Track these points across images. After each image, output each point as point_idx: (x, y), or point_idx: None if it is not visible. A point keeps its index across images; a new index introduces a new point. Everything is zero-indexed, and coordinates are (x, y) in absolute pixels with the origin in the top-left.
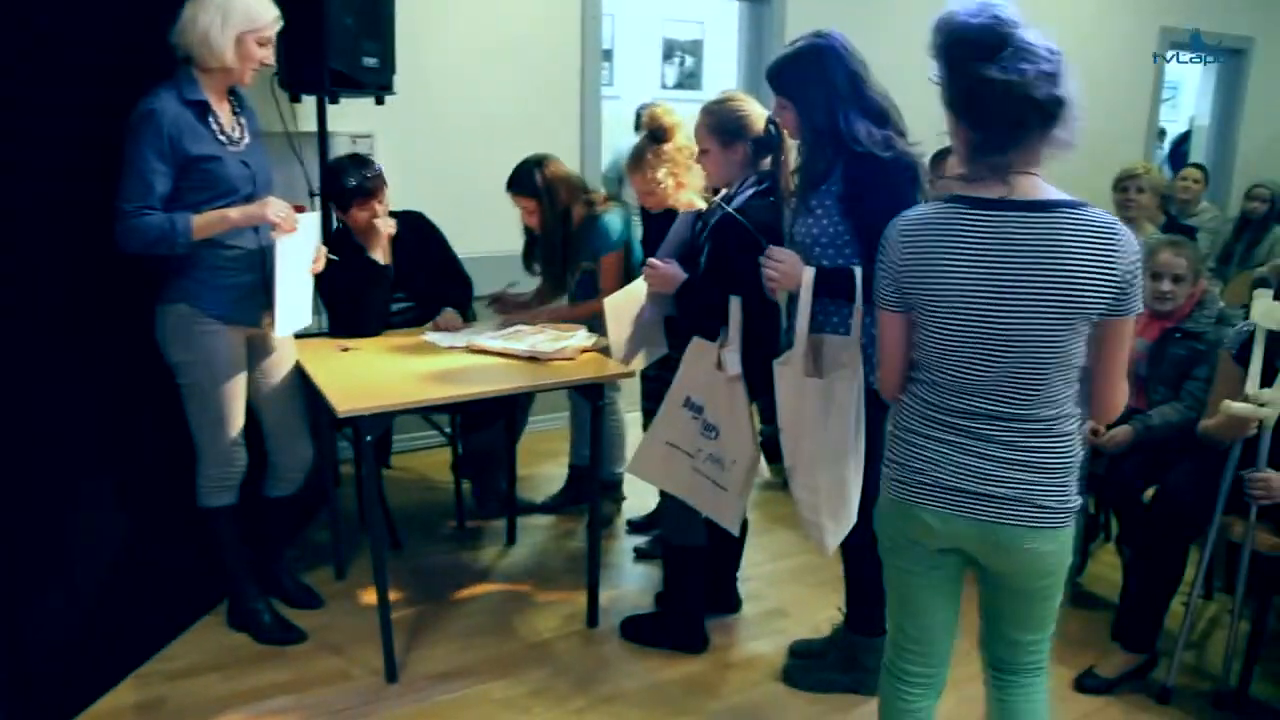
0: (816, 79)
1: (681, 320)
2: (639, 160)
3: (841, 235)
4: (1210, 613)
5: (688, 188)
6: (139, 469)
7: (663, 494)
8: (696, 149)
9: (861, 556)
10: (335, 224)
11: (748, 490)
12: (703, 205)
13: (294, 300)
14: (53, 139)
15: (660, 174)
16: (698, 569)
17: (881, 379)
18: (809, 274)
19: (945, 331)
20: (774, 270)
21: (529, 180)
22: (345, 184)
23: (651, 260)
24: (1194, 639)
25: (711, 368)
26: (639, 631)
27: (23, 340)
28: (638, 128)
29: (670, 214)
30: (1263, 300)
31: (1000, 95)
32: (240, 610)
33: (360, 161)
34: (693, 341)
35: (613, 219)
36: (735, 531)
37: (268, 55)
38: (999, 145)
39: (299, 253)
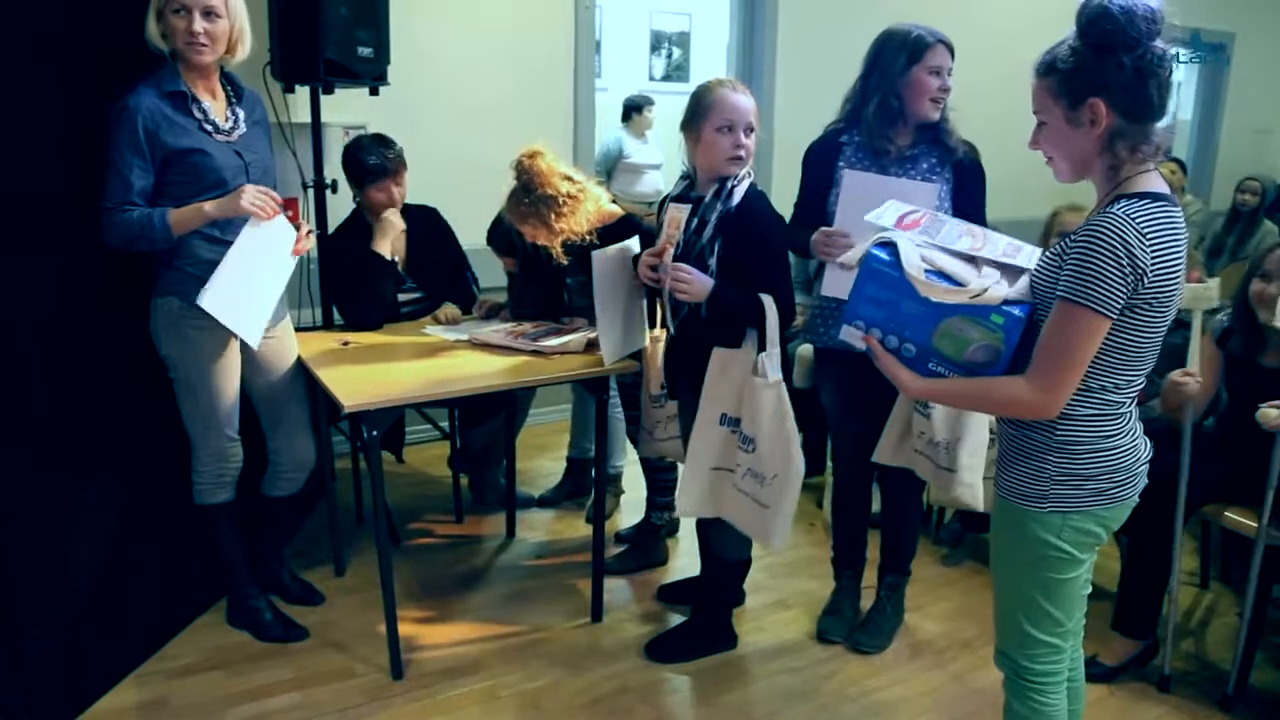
0: None
1: (710, 328)
2: (533, 219)
3: None
4: (1207, 601)
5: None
6: (137, 465)
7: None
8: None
9: (910, 506)
10: (353, 203)
11: (792, 505)
12: (616, 210)
13: (242, 292)
14: (60, 128)
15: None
16: (740, 581)
17: (1061, 392)
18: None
19: (1157, 327)
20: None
21: (509, 240)
22: (365, 162)
23: (679, 265)
24: (1191, 627)
25: (742, 376)
26: (672, 651)
27: (20, 335)
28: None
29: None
30: (1187, 287)
31: (1170, 77)
32: (240, 608)
33: (382, 141)
34: (714, 354)
35: None
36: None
37: (190, 23)
38: (1156, 133)
39: (265, 246)
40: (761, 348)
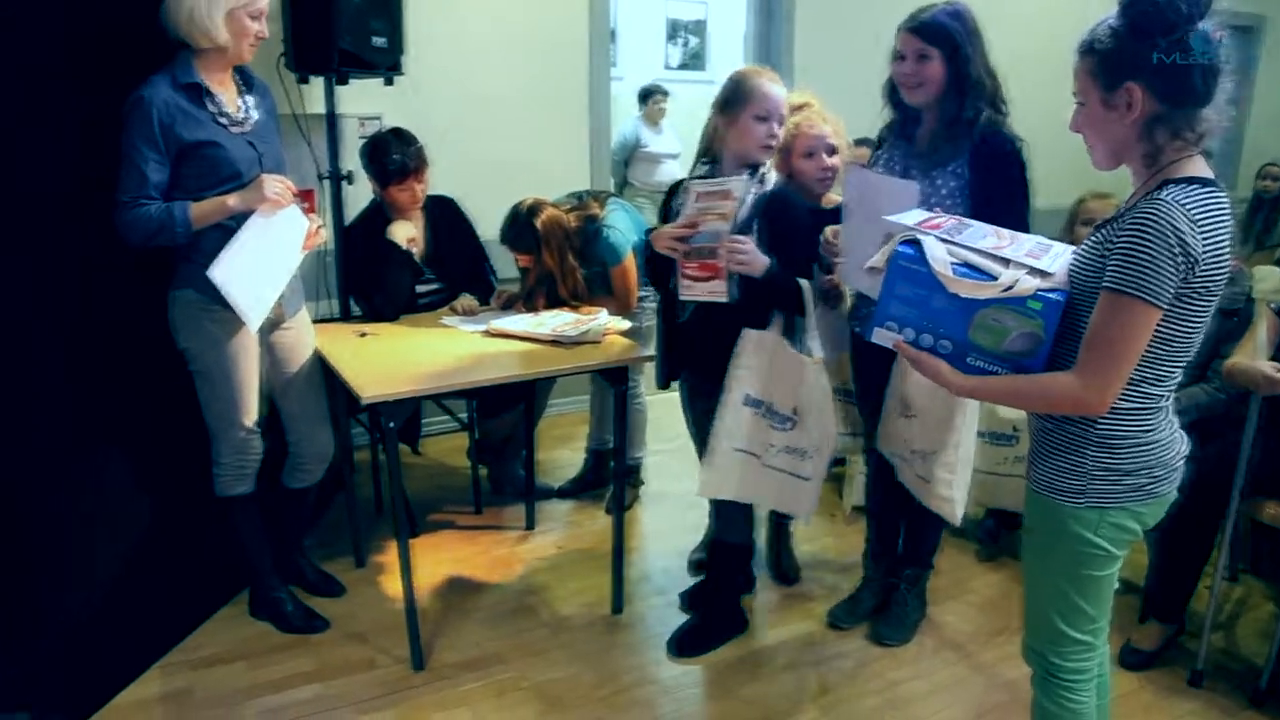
0: (974, 35)
1: (749, 308)
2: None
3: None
4: (1237, 594)
5: None
6: (158, 458)
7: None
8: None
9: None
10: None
11: (824, 474)
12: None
13: (251, 273)
14: (73, 121)
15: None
16: (743, 565)
17: (1113, 386)
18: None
19: (1203, 318)
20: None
21: (524, 237)
22: (387, 163)
23: (736, 238)
24: (1221, 621)
25: (770, 357)
26: (693, 645)
27: (42, 328)
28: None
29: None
30: (1271, 273)
31: (1218, 62)
32: (262, 599)
33: (403, 138)
34: (744, 335)
35: (614, 231)
36: (808, 519)
37: (262, 28)
38: (1202, 119)
39: (277, 233)
40: (789, 329)
